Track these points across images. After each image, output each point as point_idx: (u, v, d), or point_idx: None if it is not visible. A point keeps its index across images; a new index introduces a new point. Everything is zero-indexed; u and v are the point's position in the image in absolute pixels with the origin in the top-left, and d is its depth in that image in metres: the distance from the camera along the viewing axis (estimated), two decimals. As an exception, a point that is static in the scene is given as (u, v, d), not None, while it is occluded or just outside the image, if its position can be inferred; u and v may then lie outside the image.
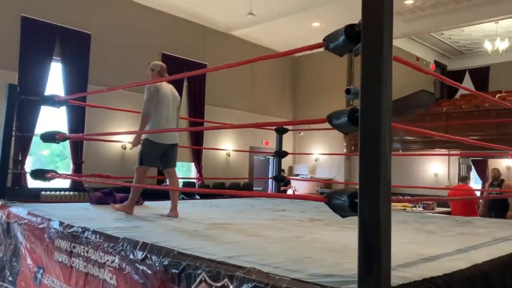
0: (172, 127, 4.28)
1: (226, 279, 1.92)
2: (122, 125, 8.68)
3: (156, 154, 4.23)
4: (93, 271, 2.73)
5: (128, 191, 4.34)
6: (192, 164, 11.00)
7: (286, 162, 13.18)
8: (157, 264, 2.28)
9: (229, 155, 11.65)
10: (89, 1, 9.13)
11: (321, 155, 12.04)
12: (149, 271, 2.32)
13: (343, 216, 1.90)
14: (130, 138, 4.45)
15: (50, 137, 4.20)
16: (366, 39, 1.56)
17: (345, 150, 11.82)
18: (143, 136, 4.19)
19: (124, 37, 9.47)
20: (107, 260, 2.63)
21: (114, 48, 9.21)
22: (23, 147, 7.95)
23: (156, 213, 4.33)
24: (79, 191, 8.44)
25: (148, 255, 2.36)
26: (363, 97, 1.55)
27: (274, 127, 11.83)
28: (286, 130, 6.60)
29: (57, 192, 8.21)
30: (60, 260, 3.08)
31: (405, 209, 8.87)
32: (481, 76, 13.83)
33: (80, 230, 2.96)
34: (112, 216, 3.88)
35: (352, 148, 11.69)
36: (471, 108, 10.75)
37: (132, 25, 9.72)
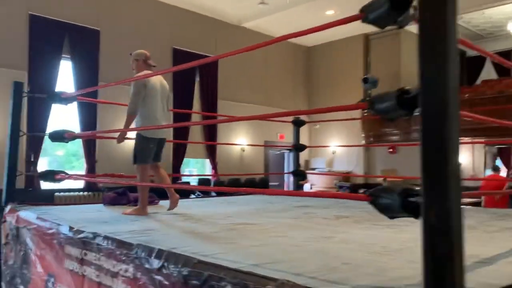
0: (164, 120, 4.10)
1: (255, 294, 1.66)
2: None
3: (150, 150, 4.05)
4: (106, 281, 2.50)
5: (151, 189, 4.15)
6: (207, 161, 10.78)
7: (302, 155, 12.83)
8: (175, 274, 2.03)
9: (243, 150, 11.39)
10: (97, -4, 8.94)
11: (339, 147, 11.71)
12: (166, 282, 2.07)
13: (391, 217, 1.64)
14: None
15: (58, 136, 3.99)
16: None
17: (363, 141, 11.46)
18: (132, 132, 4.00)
19: (134, 32, 9.25)
20: (120, 269, 2.39)
21: (124, 44, 8.97)
22: (36, 148, 7.81)
23: (171, 212, 4.10)
24: (94, 191, 8.29)
25: (165, 264, 2.11)
26: (424, 73, 1.26)
27: (290, 120, 11.53)
28: (303, 122, 6.31)
29: (71, 193, 8.06)
30: (71, 268, 2.85)
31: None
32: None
33: (91, 235, 2.74)
34: (125, 218, 3.66)
35: (371, 139, 11.34)
36: (495, 94, 10.29)
37: (142, 20, 9.50)
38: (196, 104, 10.38)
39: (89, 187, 8.32)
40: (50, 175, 3.79)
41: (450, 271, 1.15)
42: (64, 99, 4.00)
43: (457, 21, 1.30)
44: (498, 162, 11.44)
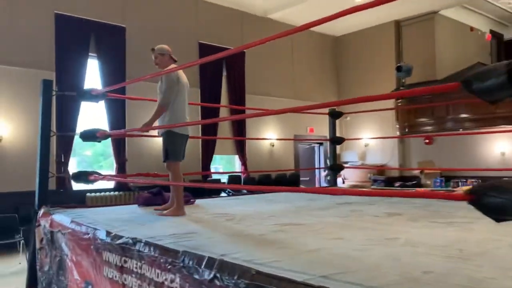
0: (189, 117, 3.98)
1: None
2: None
3: (182, 147, 3.87)
4: (149, 291, 2.28)
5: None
6: (236, 157, 10.56)
7: (332, 149, 12.51)
8: (231, 287, 1.79)
9: (273, 145, 11.12)
10: (122, -7, 8.80)
11: (372, 139, 11.29)
12: (221, 296, 1.83)
13: (499, 220, 1.35)
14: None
15: (90, 136, 3.82)
16: None
17: (398, 133, 11.01)
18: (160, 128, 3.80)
19: (159, 28, 9.08)
20: (166, 280, 2.17)
21: (150, 41, 8.77)
22: (66, 148, 7.73)
23: (211, 212, 3.87)
24: (125, 191, 8.18)
25: (218, 275, 1.87)
26: None
27: (320, 113, 11.17)
28: (340, 114, 5.99)
29: (102, 193, 7.96)
30: (110, 276, 2.65)
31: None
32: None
33: (130, 241, 2.52)
34: (163, 220, 3.45)
35: (406, 130, 10.87)
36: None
37: (167, 16, 9.32)
38: (224, 99, 10.17)
39: (119, 186, 8.22)
40: (84, 177, 3.61)
41: None
42: (95, 96, 3.82)
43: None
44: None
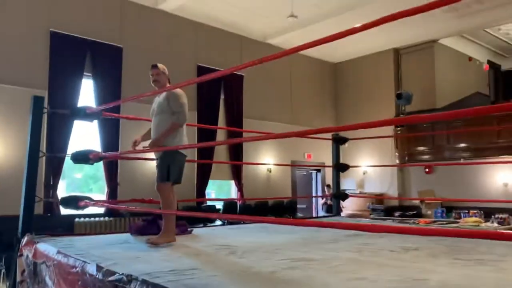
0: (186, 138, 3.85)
1: None
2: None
3: (182, 168, 3.67)
4: None
5: (177, 217, 3.62)
6: (232, 182, 10.24)
7: (329, 176, 12.24)
8: None
9: (270, 171, 10.84)
10: (120, 13, 8.63)
11: (370, 167, 11.05)
12: None
13: None
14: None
15: (82, 158, 3.52)
16: None
17: (397, 161, 10.79)
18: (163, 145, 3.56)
19: (158, 49, 8.89)
20: (167, 328, 1.85)
21: (147, 62, 8.53)
22: (56, 170, 7.37)
23: (210, 243, 3.55)
24: (115, 216, 7.78)
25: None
26: None
27: (319, 139, 10.92)
28: (345, 140, 5.75)
29: (92, 219, 7.55)
30: (100, 319, 2.32)
31: (478, 225, 7.82)
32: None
33: (124, 278, 2.20)
34: (160, 252, 3.12)
35: (406, 158, 10.66)
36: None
37: (166, 37, 9.16)
38: (221, 123, 9.92)
39: (110, 212, 7.82)
40: (73, 202, 3.30)
41: None
42: (89, 114, 3.54)
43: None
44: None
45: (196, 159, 9.04)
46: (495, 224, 7.96)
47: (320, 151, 11.98)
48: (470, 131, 9.00)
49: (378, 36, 10.67)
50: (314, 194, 12.02)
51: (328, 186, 11.12)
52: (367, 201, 11.00)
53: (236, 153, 10.01)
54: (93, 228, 7.41)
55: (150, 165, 8.22)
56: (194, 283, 2.13)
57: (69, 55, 7.71)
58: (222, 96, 10.01)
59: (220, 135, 9.82)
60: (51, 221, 6.89)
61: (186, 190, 8.70)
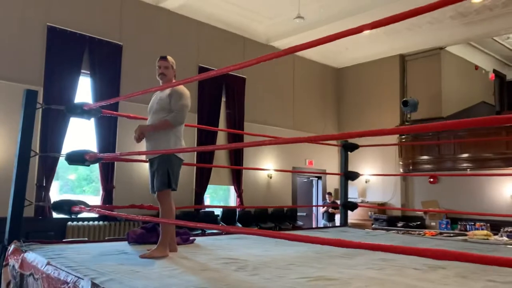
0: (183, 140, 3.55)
1: None
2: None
3: (179, 173, 3.36)
4: None
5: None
6: (231, 188, 9.92)
7: (331, 184, 11.98)
8: None
9: (270, 177, 10.53)
10: (121, 9, 8.34)
11: (373, 176, 10.76)
12: None
13: None
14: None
15: (78, 159, 3.21)
16: None
17: (401, 170, 10.53)
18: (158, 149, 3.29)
19: (159, 49, 8.56)
20: None
21: (147, 61, 8.30)
22: (49, 171, 7.03)
23: (215, 256, 3.24)
24: (110, 220, 7.44)
25: None
26: None
27: (321, 145, 10.63)
28: (356, 146, 5.47)
29: (85, 223, 7.19)
30: None
31: (487, 239, 7.56)
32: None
33: (123, 300, 1.90)
34: (161, 266, 2.82)
35: (410, 167, 10.38)
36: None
37: (167, 36, 8.86)
38: (222, 126, 9.61)
39: (105, 216, 7.48)
40: (66, 207, 2.98)
41: None
42: (87, 112, 3.23)
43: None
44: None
45: (195, 162, 8.74)
46: (505, 238, 7.71)
47: (322, 158, 11.72)
48: (477, 141, 8.76)
49: (383, 41, 10.45)
50: (314, 201, 11.73)
51: (329, 193, 10.83)
52: (369, 210, 10.73)
53: (236, 157, 9.71)
54: (86, 232, 7.06)
55: (147, 168, 7.90)
56: (205, 307, 1.84)
57: (66, 51, 7.40)
58: (223, 99, 9.72)
59: (220, 138, 9.51)
60: (42, 225, 6.56)
61: (184, 195, 8.39)
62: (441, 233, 8.72)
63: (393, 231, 8.82)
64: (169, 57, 3.44)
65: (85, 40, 7.67)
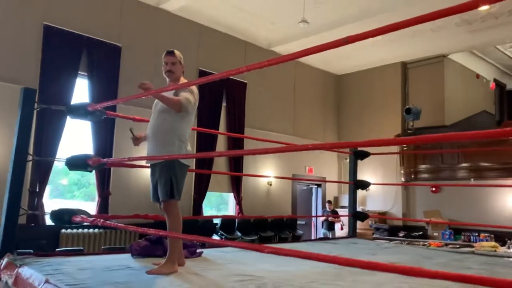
0: None
1: None
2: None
3: (184, 181, 3.14)
4: None
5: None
6: (231, 195, 9.66)
7: (331, 192, 11.77)
8: None
9: (270, 184, 10.29)
10: (120, 10, 8.08)
11: (374, 185, 10.53)
12: None
13: None
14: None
15: (79, 164, 2.95)
16: None
17: (402, 179, 10.34)
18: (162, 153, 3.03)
19: (159, 51, 8.27)
20: None
21: (147, 63, 8.06)
22: (43, 176, 6.71)
23: (229, 272, 2.99)
24: (106, 228, 7.13)
25: None
26: None
27: (321, 153, 10.42)
28: (367, 154, 5.25)
29: (80, 230, 6.85)
30: None
31: (495, 250, 7.38)
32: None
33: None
34: (170, 282, 2.56)
35: (412, 176, 10.20)
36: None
37: (168, 39, 8.60)
38: (222, 131, 9.36)
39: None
40: (67, 217, 2.71)
41: None
42: (91, 113, 2.97)
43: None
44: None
45: (194, 168, 8.47)
46: (512, 250, 7.55)
47: (322, 166, 11.52)
48: (482, 150, 8.61)
49: (385, 48, 10.29)
50: (313, 209, 11.50)
51: (329, 202, 10.61)
52: (370, 220, 10.50)
53: (236, 164, 9.46)
54: (81, 240, 6.74)
55: (144, 174, 7.63)
56: None
57: (63, 51, 7.12)
58: (224, 104, 9.48)
59: (220, 144, 9.25)
60: (34, 232, 6.24)
61: (183, 202, 8.05)
62: (446, 244, 8.52)
63: (396, 242, 8.61)
64: (176, 52, 3.18)
65: (83, 41, 7.40)
